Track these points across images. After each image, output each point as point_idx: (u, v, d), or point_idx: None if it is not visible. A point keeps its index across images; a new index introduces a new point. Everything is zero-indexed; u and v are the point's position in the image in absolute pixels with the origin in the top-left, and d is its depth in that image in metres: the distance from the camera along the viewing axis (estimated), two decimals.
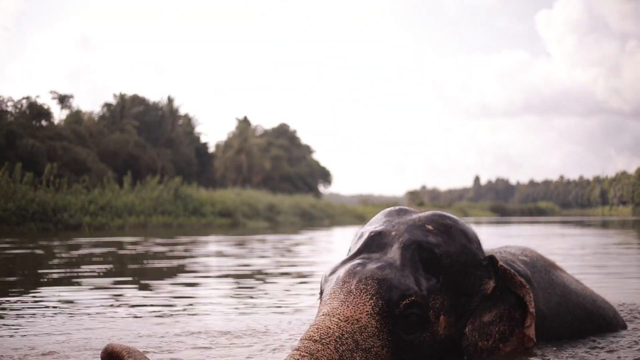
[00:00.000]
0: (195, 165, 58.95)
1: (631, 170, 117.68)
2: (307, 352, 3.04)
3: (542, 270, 4.06)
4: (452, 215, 3.67)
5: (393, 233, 3.53)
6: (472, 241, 3.60)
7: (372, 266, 3.35)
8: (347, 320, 3.16)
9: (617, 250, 14.03)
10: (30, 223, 25.69)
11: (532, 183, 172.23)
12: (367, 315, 3.17)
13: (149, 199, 35.15)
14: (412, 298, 3.22)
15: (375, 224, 3.69)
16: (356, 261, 3.43)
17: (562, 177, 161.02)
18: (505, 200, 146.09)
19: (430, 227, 3.54)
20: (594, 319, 4.20)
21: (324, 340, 3.08)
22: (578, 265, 9.72)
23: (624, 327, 4.45)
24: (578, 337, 4.04)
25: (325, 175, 78.28)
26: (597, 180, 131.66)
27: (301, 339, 3.11)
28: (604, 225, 37.10)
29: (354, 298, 3.22)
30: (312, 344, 3.07)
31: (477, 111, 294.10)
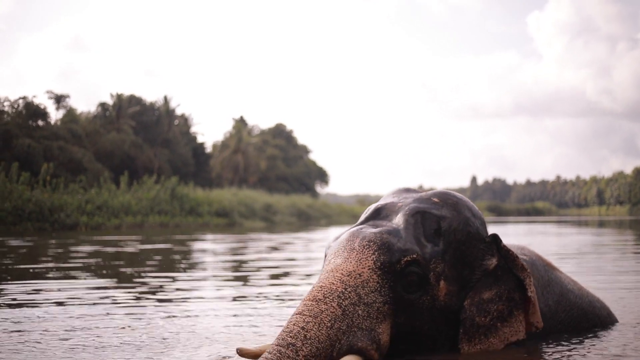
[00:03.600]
0: (191, 165, 58.90)
1: (628, 170, 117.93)
2: (310, 315, 3.13)
3: (540, 269, 4.09)
4: (458, 194, 3.76)
5: (399, 205, 3.65)
6: (477, 217, 3.69)
7: (375, 229, 3.48)
8: (349, 275, 3.25)
9: (610, 249, 14.05)
10: (27, 223, 25.66)
11: (529, 183, 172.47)
12: (369, 269, 3.27)
13: (146, 199, 35.12)
14: (414, 256, 3.32)
15: (383, 200, 3.83)
16: (360, 226, 3.59)
17: (558, 177, 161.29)
18: (502, 200, 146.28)
19: (436, 199, 3.65)
20: (589, 319, 4.24)
21: (327, 299, 3.18)
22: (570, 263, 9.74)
23: (615, 324, 4.48)
24: (574, 335, 4.07)
25: (322, 176, 78.28)
26: (594, 180, 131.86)
27: (304, 300, 3.20)
28: (601, 224, 37.15)
29: (356, 254, 3.33)
30: (315, 304, 3.16)
31: (468, 113, 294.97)
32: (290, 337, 3.07)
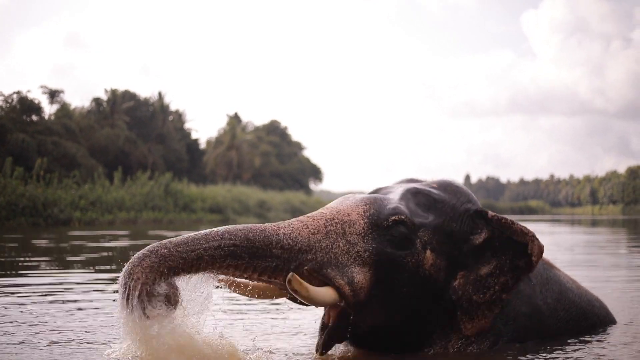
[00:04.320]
0: (185, 161, 58.79)
1: (621, 169, 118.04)
2: (298, 220, 3.34)
3: (539, 267, 4.08)
4: (460, 184, 3.85)
5: (399, 187, 3.78)
6: (472, 201, 3.74)
7: (372, 194, 3.68)
8: (339, 212, 3.42)
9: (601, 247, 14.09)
10: (21, 218, 25.57)
11: (522, 182, 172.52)
12: (357, 214, 3.42)
13: (140, 195, 35.03)
14: (402, 217, 3.42)
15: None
16: None
17: (552, 176, 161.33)
18: (495, 199, 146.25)
19: (434, 184, 3.78)
20: (588, 318, 4.25)
21: (315, 217, 3.38)
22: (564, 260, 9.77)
23: (614, 324, 4.49)
24: (573, 334, 4.08)
25: (316, 172, 78.22)
26: (588, 179, 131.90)
27: None
28: (594, 224, 37.22)
29: (349, 202, 3.50)
30: (305, 217, 3.38)
31: (465, 110, 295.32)
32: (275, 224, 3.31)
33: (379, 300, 3.37)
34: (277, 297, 3.44)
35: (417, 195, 3.63)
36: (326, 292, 3.24)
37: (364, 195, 3.58)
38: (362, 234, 3.37)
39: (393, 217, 3.41)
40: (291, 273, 3.13)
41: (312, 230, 3.30)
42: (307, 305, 3.33)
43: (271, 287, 3.42)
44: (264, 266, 3.17)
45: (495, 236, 3.62)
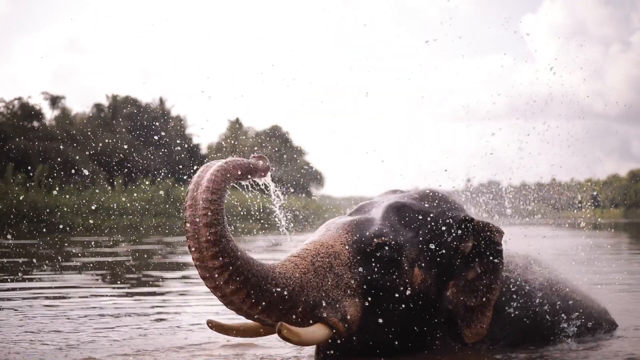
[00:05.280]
0: (187, 167, 58.70)
1: (622, 172, 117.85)
2: (287, 261, 3.30)
3: (542, 271, 4.13)
4: (443, 192, 3.82)
5: (382, 202, 3.75)
6: (456, 208, 3.72)
7: (351, 217, 3.64)
8: (322, 245, 3.39)
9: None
10: (22, 224, 25.56)
11: (523, 186, 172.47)
12: (340, 244, 3.40)
13: (141, 200, 35.03)
14: (384, 239, 3.41)
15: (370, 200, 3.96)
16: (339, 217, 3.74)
17: (554, 180, 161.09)
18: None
19: (416, 196, 3.74)
20: (589, 321, 4.24)
21: (301, 256, 3.34)
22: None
23: (615, 328, 4.49)
24: (574, 338, 4.07)
25: (317, 177, 78.07)
26: (589, 182, 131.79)
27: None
28: (596, 227, 37.16)
29: (331, 233, 3.47)
30: (293, 257, 3.33)
31: (462, 114, 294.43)
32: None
33: (370, 326, 3.38)
34: (263, 335, 3.45)
35: (399, 210, 3.60)
36: (318, 331, 3.24)
37: (345, 221, 3.55)
38: (349, 264, 3.35)
39: (377, 240, 3.40)
40: (280, 322, 3.09)
41: (302, 270, 3.27)
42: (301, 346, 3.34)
43: (257, 326, 3.40)
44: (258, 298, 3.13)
45: (480, 241, 3.62)
